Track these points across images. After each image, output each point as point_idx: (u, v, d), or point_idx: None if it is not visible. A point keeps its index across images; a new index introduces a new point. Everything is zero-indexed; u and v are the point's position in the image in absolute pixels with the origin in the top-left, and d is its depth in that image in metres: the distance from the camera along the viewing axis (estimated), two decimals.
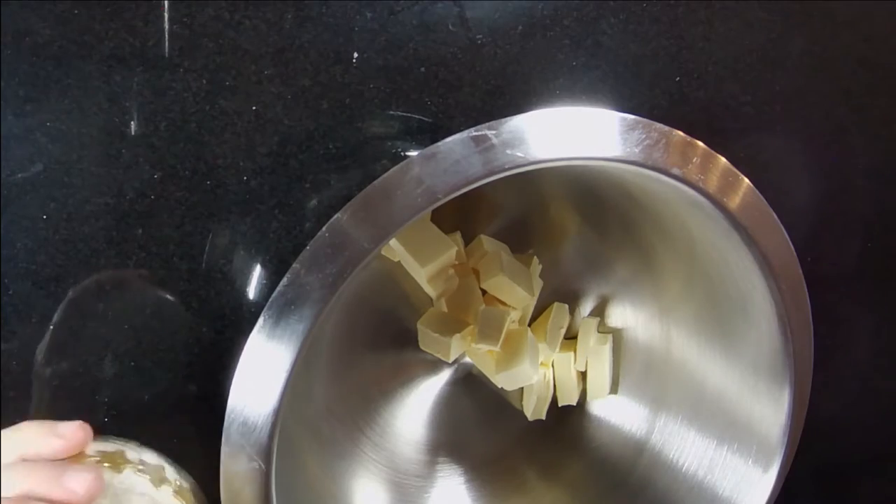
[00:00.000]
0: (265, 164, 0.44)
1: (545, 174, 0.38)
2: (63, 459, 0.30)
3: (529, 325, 0.52)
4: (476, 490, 0.52)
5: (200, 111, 0.42)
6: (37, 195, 0.41)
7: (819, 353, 0.44)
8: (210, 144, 0.43)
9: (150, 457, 0.36)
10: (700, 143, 0.39)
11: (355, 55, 0.44)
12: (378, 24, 0.44)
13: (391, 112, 0.45)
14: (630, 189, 0.45)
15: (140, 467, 0.34)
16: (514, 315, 0.49)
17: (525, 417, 0.53)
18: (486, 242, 0.49)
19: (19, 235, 0.41)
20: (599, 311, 0.53)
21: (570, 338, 0.53)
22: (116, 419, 0.43)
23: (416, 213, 0.34)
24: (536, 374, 0.49)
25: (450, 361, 0.50)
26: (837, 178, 0.56)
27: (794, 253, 0.42)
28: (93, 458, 0.32)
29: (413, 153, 0.39)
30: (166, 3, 0.41)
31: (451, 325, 0.48)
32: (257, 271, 0.45)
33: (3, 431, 0.29)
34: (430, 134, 0.46)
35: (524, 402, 0.53)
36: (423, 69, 0.45)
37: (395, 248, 0.47)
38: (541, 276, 0.51)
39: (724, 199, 0.39)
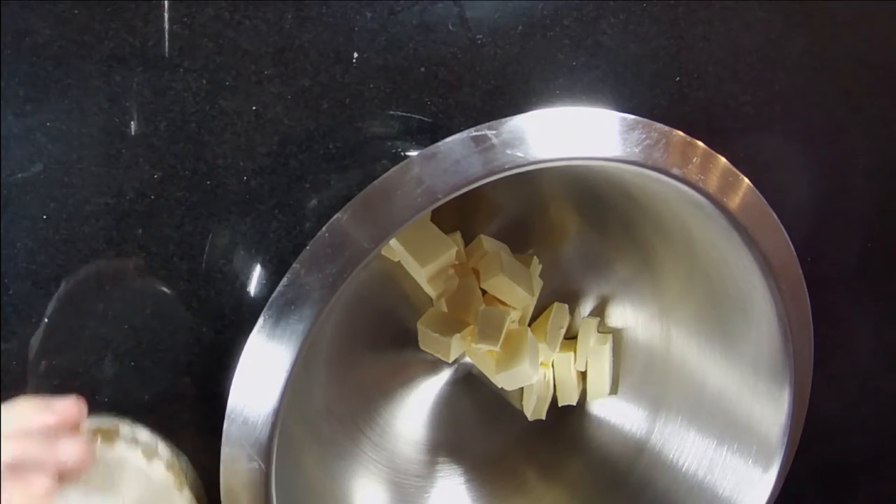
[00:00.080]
0: (265, 164, 0.44)
1: (545, 174, 0.38)
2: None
3: (529, 325, 0.52)
4: (476, 490, 0.52)
5: (200, 111, 0.42)
6: (37, 195, 0.41)
7: (819, 353, 0.44)
8: (210, 144, 0.43)
9: (143, 434, 0.36)
10: (700, 143, 0.39)
11: (355, 55, 0.44)
12: (378, 24, 0.44)
13: (391, 112, 0.45)
14: (630, 189, 0.45)
15: (133, 442, 0.35)
16: (514, 315, 0.49)
17: (525, 417, 0.53)
18: (486, 242, 0.49)
19: (19, 235, 0.41)
20: (599, 311, 0.53)
21: (570, 338, 0.53)
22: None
23: (416, 213, 0.34)
24: (536, 374, 0.49)
25: (450, 361, 0.50)
26: (837, 178, 0.56)
27: (794, 253, 0.42)
28: (87, 433, 0.32)
29: (413, 153, 0.39)
30: (166, 3, 0.41)
31: (451, 325, 0.48)
32: (257, 271, 0.45)
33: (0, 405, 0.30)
34: (430, 134, 0.46)
35: (524, 402, 0.53)
36: (423, 69, 0.45)
37: (395, 248, 0.47)
38: (541, 276, 0.51)
39: (724, 199, 0.39)
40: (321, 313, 0.34)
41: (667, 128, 0.38)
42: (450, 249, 0.46)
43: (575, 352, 0.52)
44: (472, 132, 0.35)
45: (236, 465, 0.36)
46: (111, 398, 0.43)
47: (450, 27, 0.45)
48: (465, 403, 0.52)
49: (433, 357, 0.49)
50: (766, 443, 0.44)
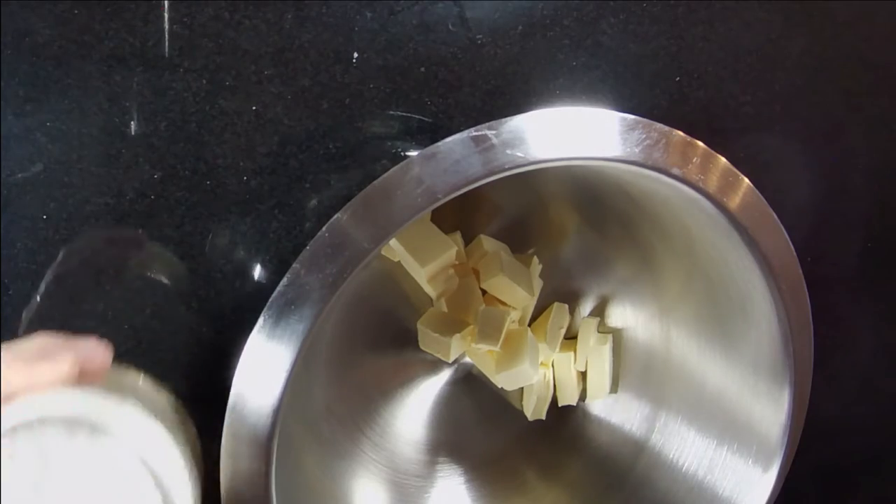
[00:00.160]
0: (265, 164, 0.44)
1: (545, 174, 0.38)
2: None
3: (529, 325, 0.52)
4: (476, 490, 0.52)
5: (200, 111, 0.42)
6: (37, 195, 0.41)
7: (819, 353, 0.44)
8: (210, 144, 0.43)
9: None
10: (700, 143, 0.39)
11: (355, 55, 0.44)
12: (378, 24, 0.44)
13: (391, 112, 0.45)
14: (630, 189, 0.45)
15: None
16: (514, 315, 0.49)
17: (525, 417, 0.53)
18: (486, 242, 0.49)
19: (19, 235, 0.41)
20: (599, 311, 0.53)
21: (570, 338, 0.53)
22: None
23: (416, 213, 0.34)
24: (536, 374, 0.49)
25: (450, 361, 0.50)
26: (837, 178, 0.56)
27: (794, 253, 0.42)
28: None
29: (413, 153, 0.39)
30: (166, 3, 0.41)
31: (451, 325, 0.48)
32: (257, 271, 0.45)
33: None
34: (430, 134, 0.46)
35: (524, 402, 0.53)
36: (423, 69, 0.45)
37: (395, 248, 0.47)
38: (541, 276, 0.51)
39: (724, 199, 0.39)
40: (321, 313, 0.34)
41: (667, 128, 0.38)
42: (450, 249, 0.46)
43: (575, 352, 0.52)
44: (472, 132, 0.35)
45: (236, 464, 0.36)
46: None
47: (450, 27, 0.45)
48: (465, 403, 0.52)
49: (433, 357, 0.49)
50: (766, 443, 0.44)
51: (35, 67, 0.40)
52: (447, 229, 0.47)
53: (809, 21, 0.52)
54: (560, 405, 0.53)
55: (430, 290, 0.48)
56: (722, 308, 0.46)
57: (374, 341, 0.49)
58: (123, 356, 0.43)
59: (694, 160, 0.39)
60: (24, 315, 0.41)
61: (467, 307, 0.48)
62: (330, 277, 0.34)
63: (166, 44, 0.41)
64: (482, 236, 0.49)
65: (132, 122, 0.41)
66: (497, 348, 0.47)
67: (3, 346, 0.28)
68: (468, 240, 0.50)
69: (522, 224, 0.50)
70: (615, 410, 0.53)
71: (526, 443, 0.53)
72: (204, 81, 0.42)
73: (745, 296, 0.43)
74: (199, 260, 0.44)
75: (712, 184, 0.39)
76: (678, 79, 0.50)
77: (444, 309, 0.49)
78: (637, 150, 0.37)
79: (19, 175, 0.40)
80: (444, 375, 0.51)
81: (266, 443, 0.35)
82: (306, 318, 0.34)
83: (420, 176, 0.35)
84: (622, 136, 0.37)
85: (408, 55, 0.45)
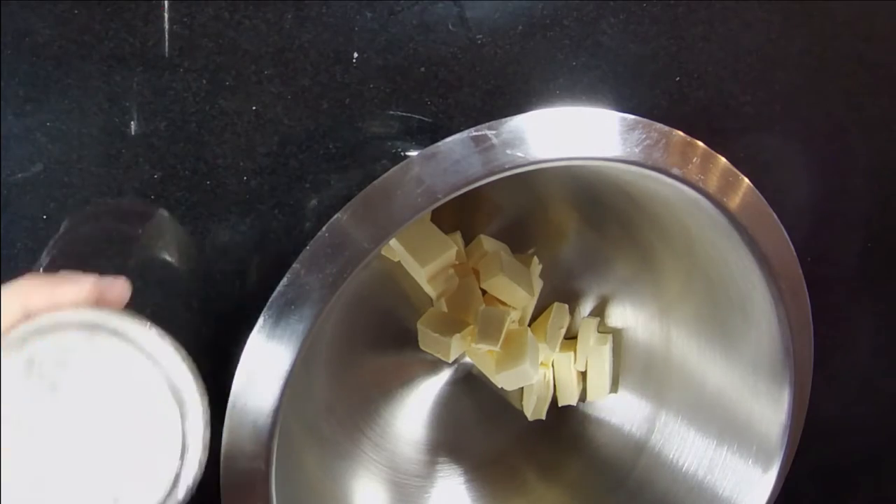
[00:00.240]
0: (265, 164, 0.44)
1: (545, 174, 0.38)
2: None
3: (529, 325, 0.52)
4: (476, 490, 0.52)
5: (200, 111, 0.42)
6: (37, 195, 0.41)
7: (819, 353, 0.44)
8: (210, 144, 0.43)
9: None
10: (700, 143, 0.39)
11: (355, 55, 0.44)
12: (378, 24, 0.44)
13: (391, 112, 0.45)
14: (630, 189, 0.45)
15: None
16: (514, 315, 0.49)
17: (525, 417, 0.53)
18: (486, 242, 0.49)
19: (19, 235, 0.41)
20: (599, 311, 0.53)
21: (570, 338, 0.53)
22: None
23: (416, 213, 0.34)
24: (536, 374, 0.49)
25: (450, 361, 0.50)
26: (837, 178, 0.56)
27: (794, 253, 0.42)
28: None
29: (413, 153, 0.39)
30: (166, 3, 0.41)
31: (451, 325, 0.48)
32: (257, 271, 0.45)
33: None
34: (430, 134, 0.46)
35: (524, 402, 0.53)
36: (423, 69, 0.45)
37: (395, 248, 0.47)
38: (541, 276, 0.51)
39: (724, 199, 0.39)
40: (321, 313, 0.34)
41: (667, 128, 0.38)
42: (450, 249, 0.46)
43: (575, 352, 0.52)
44: (472, 132, 0.35)
45: (236, 464, 0.36)
46: None
47: (450, 27, 0.45)
48: (465, 403, 0.52)
49: (433, 357, 0.49)
50: (766, 443, 0.44)
51: (35, 67, 0.40)
52: (447, 229, 0.47)
53: (809, 21, 0.52)
54: (560, 405, 0.53)
55: (430, 290, 0.48)
56: (722, 308, 0.46)
57: (374, 341, 0.49)
58: None
59: (694, 160, 0.39)
60: None
61: (467, 307, 0.48)
62: (330, 277, 0.34)
63: (166, 44, 0.41)
64: (482, 236, 0.49)
65: (132, 122, 0.41)
66: (497, 348, 0.47)
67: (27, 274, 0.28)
68: (468, 240, 0.50)
69: (522, 224, 0.50)
70: (615, 410, 0.53)
71: (526, 443, 0.53)
72: (204, 81, 0.42)
73: (745, 296, 0.43)
74: (199, 260, 0.43)
75: (712, 184, 0.39)
76: (678, 79, 0.50)
77: (444, 309, 0.49)
78: (637, 150, 0.37)
79: (19, 175, 0.40)
80: (444, 375, 0.51)
81: (266, 443, 0.35)
82: (306, 318, 0.34)
83: (420, 176, 0.35)
84: (622, 136, 0.37)
85: (408, 55, 0.45)
